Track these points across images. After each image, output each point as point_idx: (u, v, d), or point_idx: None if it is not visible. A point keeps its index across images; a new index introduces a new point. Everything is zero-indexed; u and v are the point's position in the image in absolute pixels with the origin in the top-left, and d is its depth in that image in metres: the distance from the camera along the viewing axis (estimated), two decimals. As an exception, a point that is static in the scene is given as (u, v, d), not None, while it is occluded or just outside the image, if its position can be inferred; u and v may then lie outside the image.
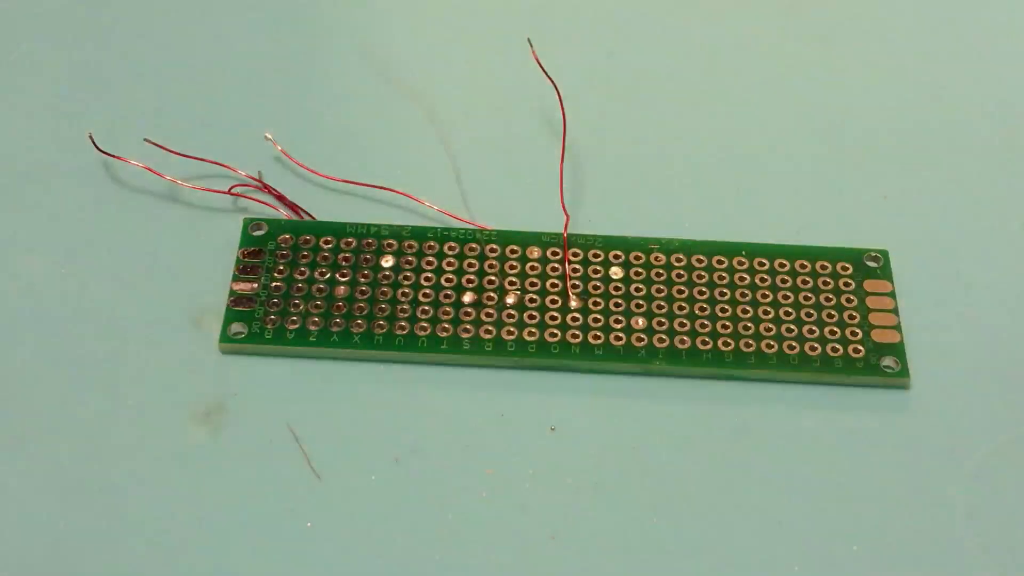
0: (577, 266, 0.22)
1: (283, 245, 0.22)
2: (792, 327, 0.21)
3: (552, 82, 0.23)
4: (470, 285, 0.22)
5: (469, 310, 0.21)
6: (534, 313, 0.21)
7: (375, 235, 0.23)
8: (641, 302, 0.22)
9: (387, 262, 0.22)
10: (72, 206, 0.23)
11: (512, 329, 0.21)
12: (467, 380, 0.21)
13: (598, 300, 0.22)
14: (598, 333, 0.21)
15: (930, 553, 0.19)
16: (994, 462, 0.20)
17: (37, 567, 0.19)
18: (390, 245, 0.22)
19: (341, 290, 0.22)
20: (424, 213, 0.23)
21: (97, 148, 0.23)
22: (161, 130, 0.24)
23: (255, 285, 0.22)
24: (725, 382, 0.21)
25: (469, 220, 0.23)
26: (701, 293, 0.22)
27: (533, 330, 0.21)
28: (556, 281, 0.22)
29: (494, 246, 0.22)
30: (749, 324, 0.21)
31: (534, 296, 0.22)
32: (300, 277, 0.22)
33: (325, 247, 0.22)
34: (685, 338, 0.21)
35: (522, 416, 0.21)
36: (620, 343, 0.21)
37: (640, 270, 0.22)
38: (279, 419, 0.20)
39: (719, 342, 0.21)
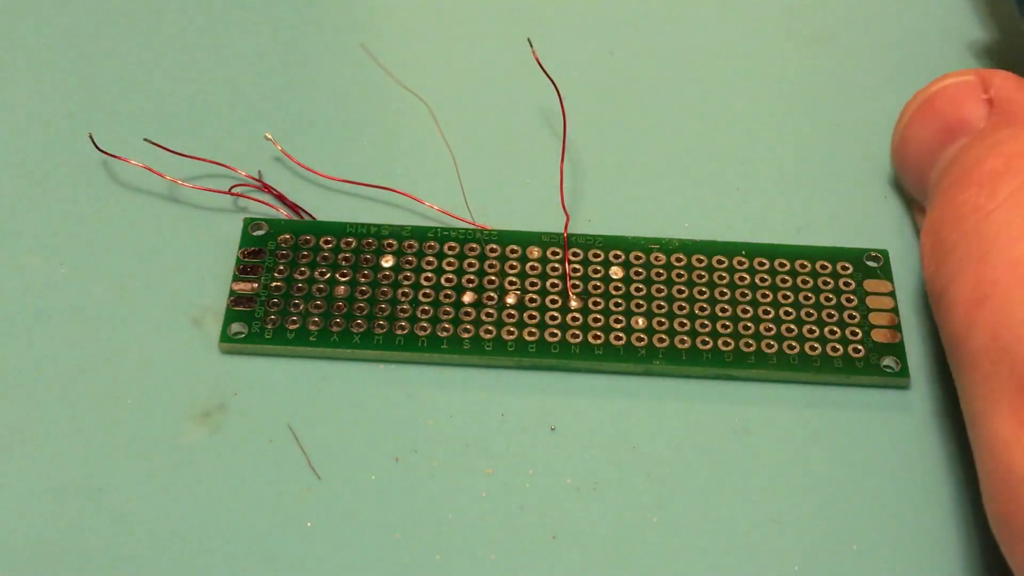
0: (577, 266, 0.22)
1: (283, 245, 0.22)
2: (792, 327, 0.21)
3: (552, 82, 0.23)
4: (470, 285, 0.22)
5: (469, 310, 0.21)
6: (534, 313, 0.21)
7: (375, 235, 0.23)
8: (641, 302, 0.22)
9: (387, 262, 0.22)
10: (72, 206, 0.23)
11: (512, 329, 0.21)
12: (467, 380, 0.21)
13: (598, 300, 0.22)
14: (598, 333, 0.21)
15: (930, 553, 0.19)
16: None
17: (36, 567, 0.19)
18: (390, 245, 0.22)
19: (341, 290, 0.22)
20: (424, 213, 0.23)
21: (97, 148, 0.23)
22: (161, 130, 0.24)
23: (255, 285, 0.22)
24: (725, 382, 0.21)
25: (469, 220, 0.23)
26: (701, 293, 0.22)
27: (533, 330, 0.21)
28: (556, 281, 0.22)
29: (494, 246, 0.22)
30: (749, 324, 0.21)
31: (534, 296, 0.22)
32: (300, 277, 0.22)
33: (325, 247, 0.22)
34: (685, 338, 0.21)
35: (522, 416, 0.21)
36: (620, 343, 0.21)
37: (640, 270, 0.22)
38: (279, 419, 0.20)
39: (719, 342, 0.21)
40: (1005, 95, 0.19)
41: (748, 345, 0.21)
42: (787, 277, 0.22)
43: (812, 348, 0.21)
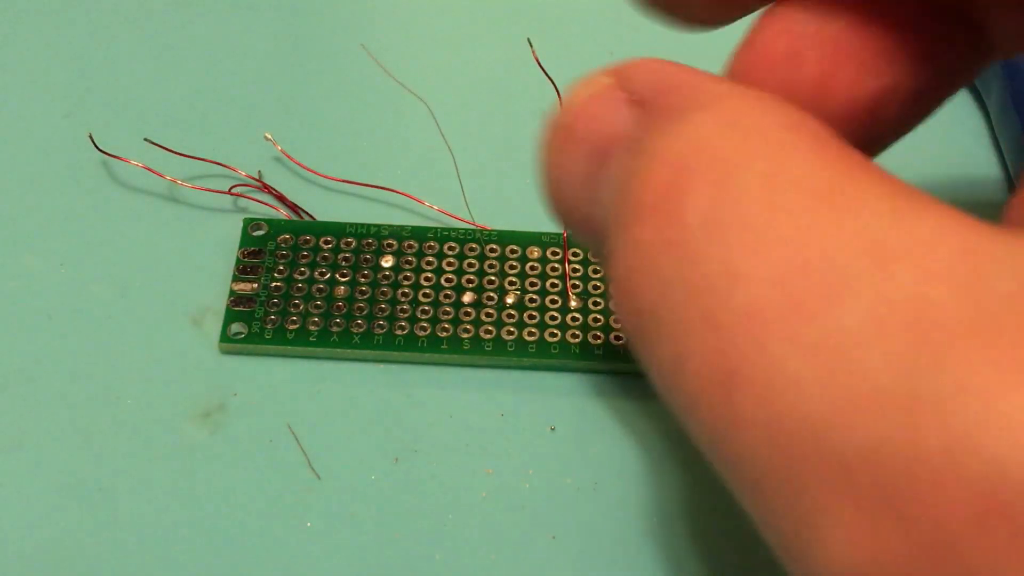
0: (577, 266, 0.22)
1: (283, 245, 0.22)
2: (792, 327, 0.21)
3: (552, 82, 0.23)
4: (470, 285, 0.22)
5: (469, 310, 0.21)
6: (534, 313, 0.21)
7: (375, 235, 0.23)
8: (641, 302, 0.22)
9: (387, 262, 0.22)
10: (72, 206, 0.23)
11: (512, 329, 0.21)
12: (467, 380, 0.21)
13: (598, 300, 0.22)
14: (598, 333, 0.21)
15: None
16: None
17: (36, 567, 0.19)
18: (390, 245, 0.22)
19: (341, 290, 0.22)
20: (424, 213, 0.23)
21: (97, 148, 0.23)
22: (161, 130, 0.24)
23: (255, 285, 0.22)
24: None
25: (469, 220, 0.23)
26: (701, 293, 0.22)
27: (533, 330, 0.21)
28: (556, 281, 0.22)
29: (494, 246, 0.22)
30: (749, 324, 0.21)
31: (534, 296, 0.22)
32: (300, 277, 0.22)
33: (325, 247, 0.22)
34: (685, 338, 0.21)
35: (522, 416, 0.21)
36: (620, 343, 0.21)
37: (640, 270, 0.22)
38: (279, 419, 0.20)
39: (719, 342, 0.21)
40: (652, 86, 0.14)
41: (748, 345, 0.21)
42: (787, 277, 0.22)
43: (812, 348, 0.21)
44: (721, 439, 0.11)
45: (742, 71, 0.16)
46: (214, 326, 0.21)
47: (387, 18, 0.28)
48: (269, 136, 0.24)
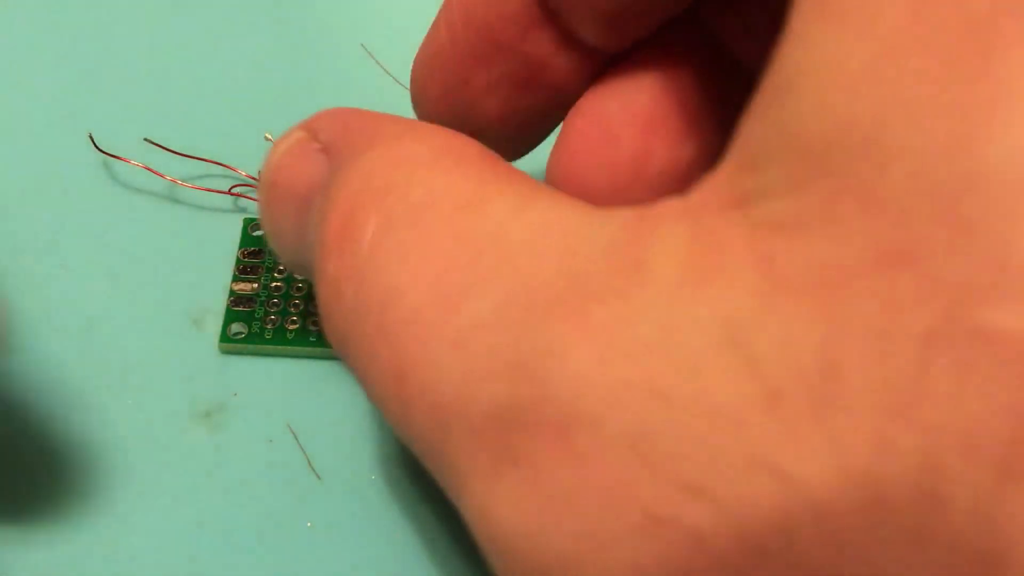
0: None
1: (283, 245, 0.22)
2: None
3: (552, 82, 0.23)
4: (470, 285, 0.22)
5: (469, 310, 0.21)
6: (534, 313, 0.21)
7: (375, 235, 0.22)
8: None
9: (387, 262, 0.22)
10: (72, 206, 0.23)
11: (512, 329, 0.21)
12: (467, 380, 0.21)
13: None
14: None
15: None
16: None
17: (34, 567, 0.19)
18: (390, 245, 0.22)
19: (341, 290, 0.22)
20: (424, 213, 0.23)
21: (97, 148, 0.23)
22: (161, 130, 0.24)
23: (255, 285, 0.22)
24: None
25: (469, 220, 0.23)
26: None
27: (533, 330, 0.21)
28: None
29: (494, 246, 0.22)
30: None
31: (534, 296, 0.22)
32: (300, 277, 0.22)
33: (325, 247, 0.22)
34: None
35: (522, 416, 0.20)
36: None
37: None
38: (279, 419, 0.20)
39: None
40: (335, 133, 0.16)
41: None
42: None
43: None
44: (405, 428, 0.13)
45: (563, 162, 0.17)
46: (214, 326, 0.21)
47: (387, 18, 0.28)
48: (269, 136, 0.24)
